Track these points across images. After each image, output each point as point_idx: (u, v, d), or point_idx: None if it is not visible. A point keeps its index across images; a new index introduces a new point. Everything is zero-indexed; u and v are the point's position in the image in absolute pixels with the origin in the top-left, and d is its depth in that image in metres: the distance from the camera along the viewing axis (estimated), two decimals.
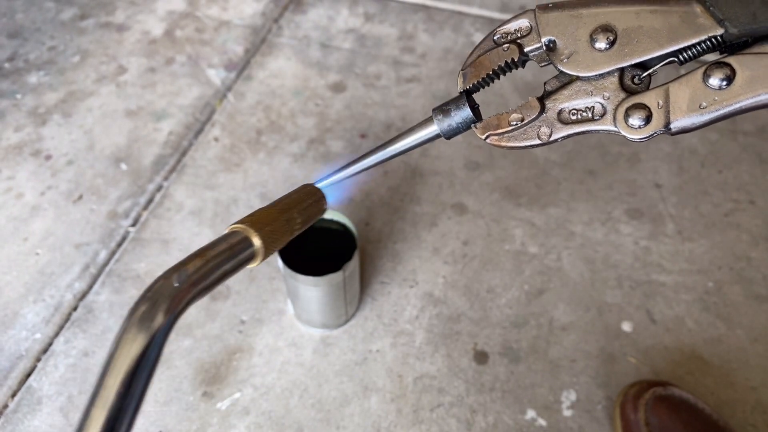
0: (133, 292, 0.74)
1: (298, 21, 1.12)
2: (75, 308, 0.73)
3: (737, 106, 0.27)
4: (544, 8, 0.30)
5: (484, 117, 0.33)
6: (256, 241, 0.31)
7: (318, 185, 0.38)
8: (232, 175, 0.87)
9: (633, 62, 0.28)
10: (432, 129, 0.33)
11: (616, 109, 0.29)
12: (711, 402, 0.65)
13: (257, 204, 0.83)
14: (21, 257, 0.78)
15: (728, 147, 0.90)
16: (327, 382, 0.67)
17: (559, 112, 0.30)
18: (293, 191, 0.36)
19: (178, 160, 0.89)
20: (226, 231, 0.31)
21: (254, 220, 0.32)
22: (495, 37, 0.31)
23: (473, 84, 0.32)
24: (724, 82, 0.27)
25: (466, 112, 0.32)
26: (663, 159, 0.88)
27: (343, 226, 0.67)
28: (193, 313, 0.72)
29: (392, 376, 0.68)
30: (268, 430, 0.64)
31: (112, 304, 0.73)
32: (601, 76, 0.29)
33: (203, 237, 0.80)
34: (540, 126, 0.31)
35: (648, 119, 0.28)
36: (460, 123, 0.33)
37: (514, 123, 0.31)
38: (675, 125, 0.28)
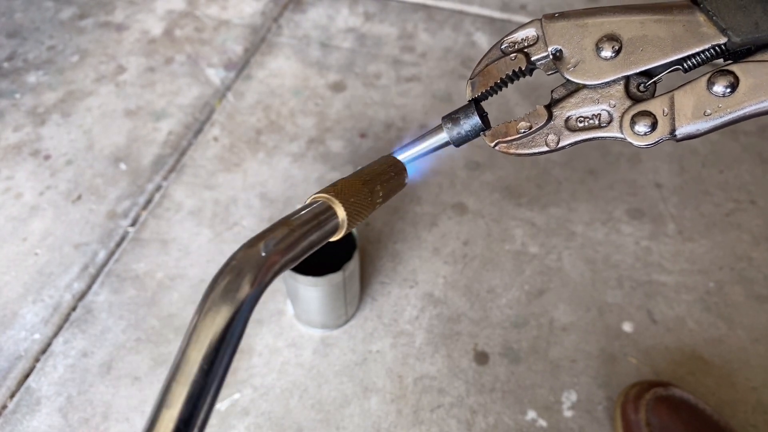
0: (132, 293, 0.74)
1: (297, 20, 1.11)
2: (74, 308, 0.73)
3: (741, 112, 0.27)
4: (551, 18, 0.30)
5: (491, 122, 0.34)
6: (341, 213, 0.29)
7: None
8: (232, 175, 0.87)
9: (638, 70, 0.29)
10: (441, 137, 0.34)
11: (622, 117, 0.30)
12: (712, 402, 0.66)
13: (257, 204, 0.83)
14: (20, 257, 0.78)
15: (729, 147, 0.90)
16: (327, 382, 0.67)
17: (567, 120, 0.31)
18: (375, 161, 0.34)
19: (177, 160, 0.89)
20: (308, 200, 0.29)
21: (338, 190, 0.29)
22: (502, 47, 0.32)
23: (482, 92, 0.33)
24: (728, 90, 0.27)
25: (475, 121, 0.33)
26: (664, 159, 0.88)
27: None
28: (193, 312, 0.72)
29: (392, 377, 0.68)
30: (268, 431, 0.64)
31: (111, 304, 0.73)
32: (607, 84, 0.30)
33: (202, 237, 0.79)
34: (548, 133, 0.31)
35: (654, 126, 0.29)
36: (469, 131, 0.33)
37: (523, 131, 0.32)
38: (680, 132, 0.28)
